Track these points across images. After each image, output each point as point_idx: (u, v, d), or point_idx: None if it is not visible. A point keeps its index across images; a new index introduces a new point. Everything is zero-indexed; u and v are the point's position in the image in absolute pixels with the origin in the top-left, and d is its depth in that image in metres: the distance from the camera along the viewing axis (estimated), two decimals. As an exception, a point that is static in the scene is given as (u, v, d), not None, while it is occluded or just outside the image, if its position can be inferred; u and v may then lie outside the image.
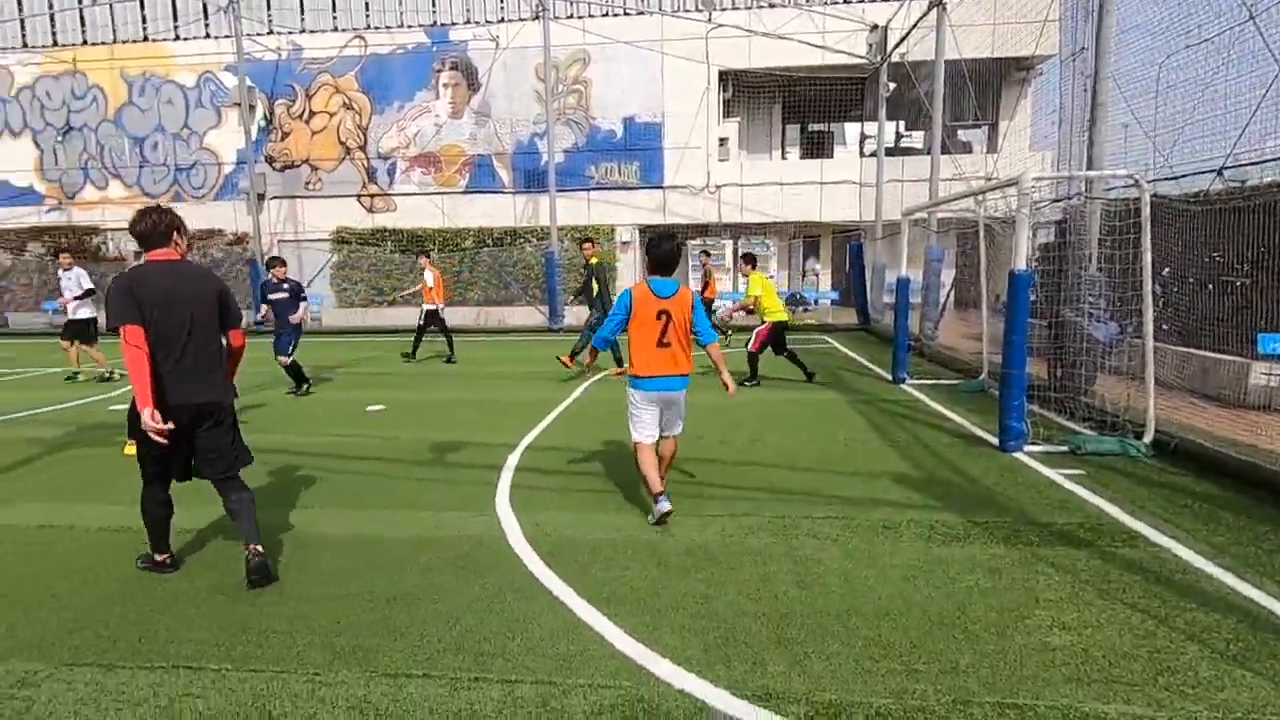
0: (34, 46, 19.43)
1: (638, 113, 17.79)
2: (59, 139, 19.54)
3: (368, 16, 18.56)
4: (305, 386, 8.59)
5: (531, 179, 18.19)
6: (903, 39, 13.59)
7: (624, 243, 18.09)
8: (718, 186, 17.91)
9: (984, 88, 16.70)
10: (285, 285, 8.46)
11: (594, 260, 9.55)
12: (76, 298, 9.48)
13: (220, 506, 3.55)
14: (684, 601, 3.13)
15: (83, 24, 19.36)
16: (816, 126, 21.04)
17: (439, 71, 18.22)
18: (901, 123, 20.80)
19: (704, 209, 17.91)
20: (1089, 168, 6.22)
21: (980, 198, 7.86)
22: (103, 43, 19.18)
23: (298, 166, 18.91)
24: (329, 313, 18.43)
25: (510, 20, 17.97)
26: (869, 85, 17.98)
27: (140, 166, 19.39)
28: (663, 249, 4.08)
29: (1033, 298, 5.69)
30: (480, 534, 3.97)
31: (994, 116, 18.21)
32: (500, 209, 18.49)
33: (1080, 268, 6.20)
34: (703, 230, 18.25)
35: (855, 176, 17.78)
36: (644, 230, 18.62)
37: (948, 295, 12.94)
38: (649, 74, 17.59)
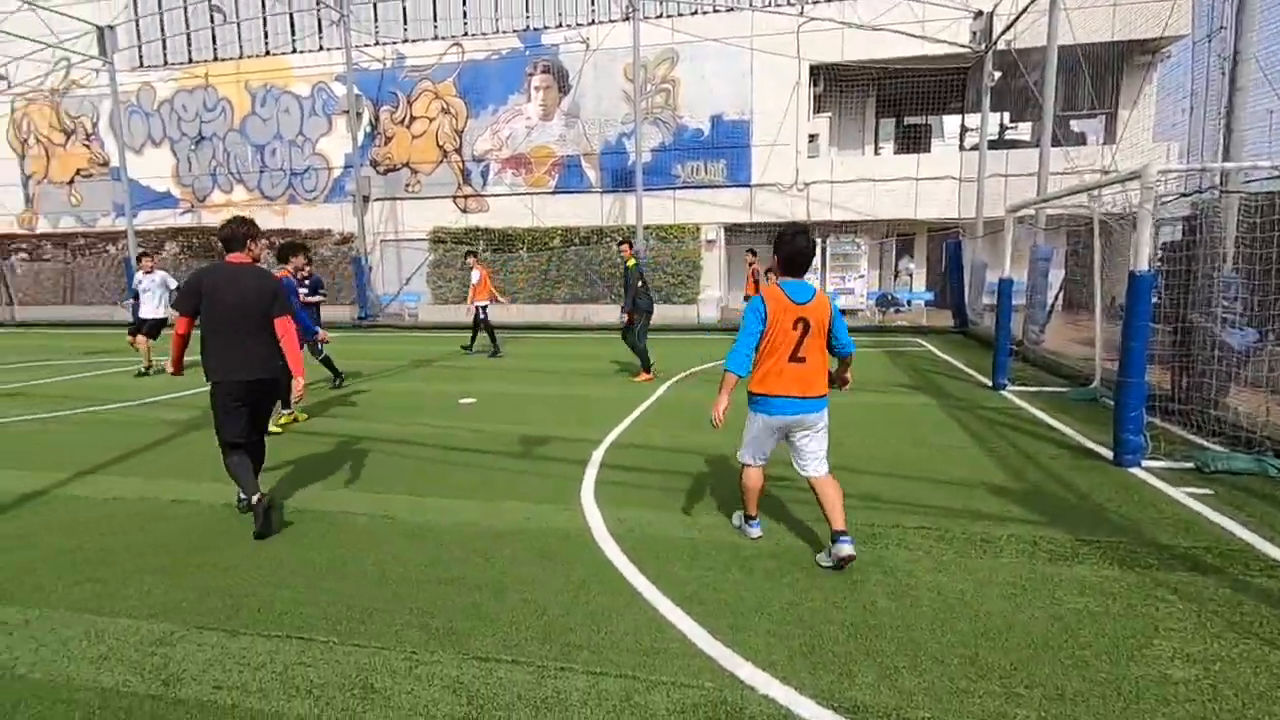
0: (173, 64, 21.35)
1: (725, 110, 17.65)
2: (192, 148, 21.41)
3: (465, 24, 19.29)
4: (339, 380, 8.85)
5: (618, 179, 18.39)
6: (1010, 24, 12.84)
7: (709, 241, 17.99)
8: (806, 184, 17.52)
9: (1102, 74, 15.54)
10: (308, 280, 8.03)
11: (630, 263, 9.17)
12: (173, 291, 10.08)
13: (347, 490, 3.78)
14: (768, 606, 3.09)
15: (214, 42, 21.12)
16: (913, 120, 20.20)
17: (531, 75, 18.72)
18: (1006, 114, 19.66)
19: (791, 207, 17.57)
20: (1226, 158, 5.67)
21: (1096, 193, 7.33)
22: (231, 58, 20.84)
23: (399, 169, 19.91)
24: (425, 309, 19.31)
25: (600, 22, 18.22)
26: (972, 75, 17.11)
27: (260, 171, 20.96)
28: (796, 244, 3.40)
29: (1154, 300, 5.25)
30: (566, 527, 4.06)
31: (1112, 105, 16.91)
32: (587, 208, 18.81)
33: (1213, 268, 5.67)
34: (790, 228, 17.93)
35: (954, 172, 16.95)
36: (729, 229, 18.46)
37: (1055, 297, 12.14)
38: (737, 71, 17.42)
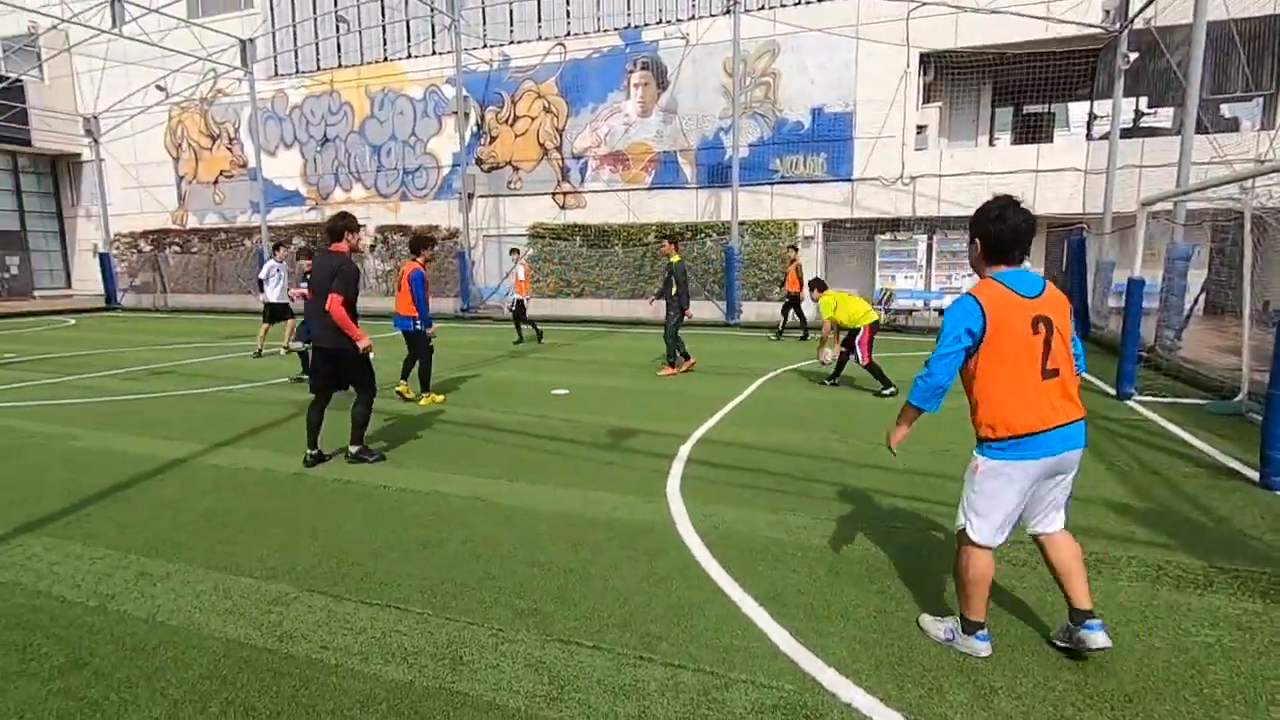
0: (303, 72, 23.08)
1: (827, 102, 17.13)
2: (318, 149, 23.08)
3: (568, 24, 19.71)
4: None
5: (714, 174, 18.25)
6: (1150, 1, 11.71)
7: (807, 237, 17.55)
8: (912, 178, 16.72)
9: (1260, 51, 13.90)
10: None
11: (674, 259, 9.42)
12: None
13: (445, 472, 3.98)
14: (855, 612, 2.99)
15: (339, 50, 22.64)
16: (1033, 108, 18.83)
17: (630, 72, 18.88)
18: (1143, 99, 17.98)
19: (896, 202, 16.83)
20: None
21: (1249, 184, 6.57)
22: (353, 65, 22.29)
23: (502, 168, 20.64)
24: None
25: (700, 17, 18.13)
26: (1103, 57, 15.75)
27: (376, 170, 22.31)
28: (1010, 220, 2.57)
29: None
30: (651, 519, 4.09)
31: (1272, 86, 15.10)
32: (683, 204, 18.79)
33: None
34: (893, 225, 17.15)
35: (1079, 163, 15.67)
36: (828, 225, 17.93)
37: (1195, 300, 11.00)
38: (841, 62, 16.85)
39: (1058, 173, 15.77)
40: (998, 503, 2.54)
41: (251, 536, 3.87)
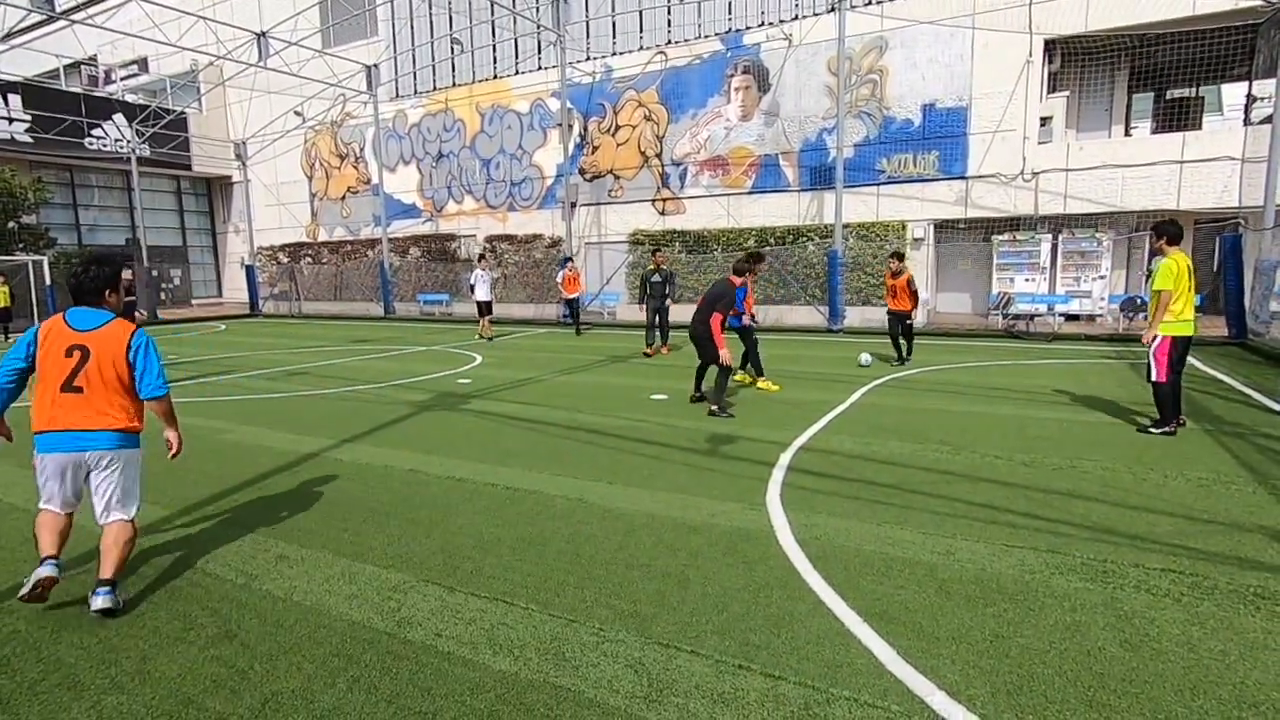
0: (420, 93, 24.59)
1: (939, 98, 16.32)
2: (433, 164, 24.50)
3: (669, 32, 19.89)
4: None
5: (817, 176, 17.82)
6: (1324, -34, 10.36)
7: (916, 239, 16.77)
8: (1034, 173, 15.61)
9: None
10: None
11: (664, 267, 12.33)
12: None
13: (547, 473, 4.12)
14: (968, 635, 2.83)
15: (453, 70, 23.96)
16: (1178, 93, 17.13)
17: (731, 76, 18.79)
18: (1314, 77, 15.90)
19: (1015, 200, 15.77)
20: None
21: None
22: (465, 84, 23.52)
23: (603, 176, 21.08)
24: (622, 308, 20.26)
25: (804, 16, 17.78)
26: (1264, 33, 14.11)
27: (486, 183, 23.39)
28: None
29: None
30: (750, 527, 4.04)
31: None
32: (784, 207, 18.46)
33: None
34: (1012, 224, 16.07)
35: (1235, 151, 14.08)
36: (939, 226, 17.06)
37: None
38: (954, 54, 16.02)
39: (1208, 163, 14.25)
40: None
41: (372, 527, 4.16)
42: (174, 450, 3.47)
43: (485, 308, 15.78)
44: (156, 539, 4.04)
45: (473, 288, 15.89)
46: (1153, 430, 6.02)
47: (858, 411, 7.20)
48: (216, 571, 3.57)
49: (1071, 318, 15.26)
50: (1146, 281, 16.33)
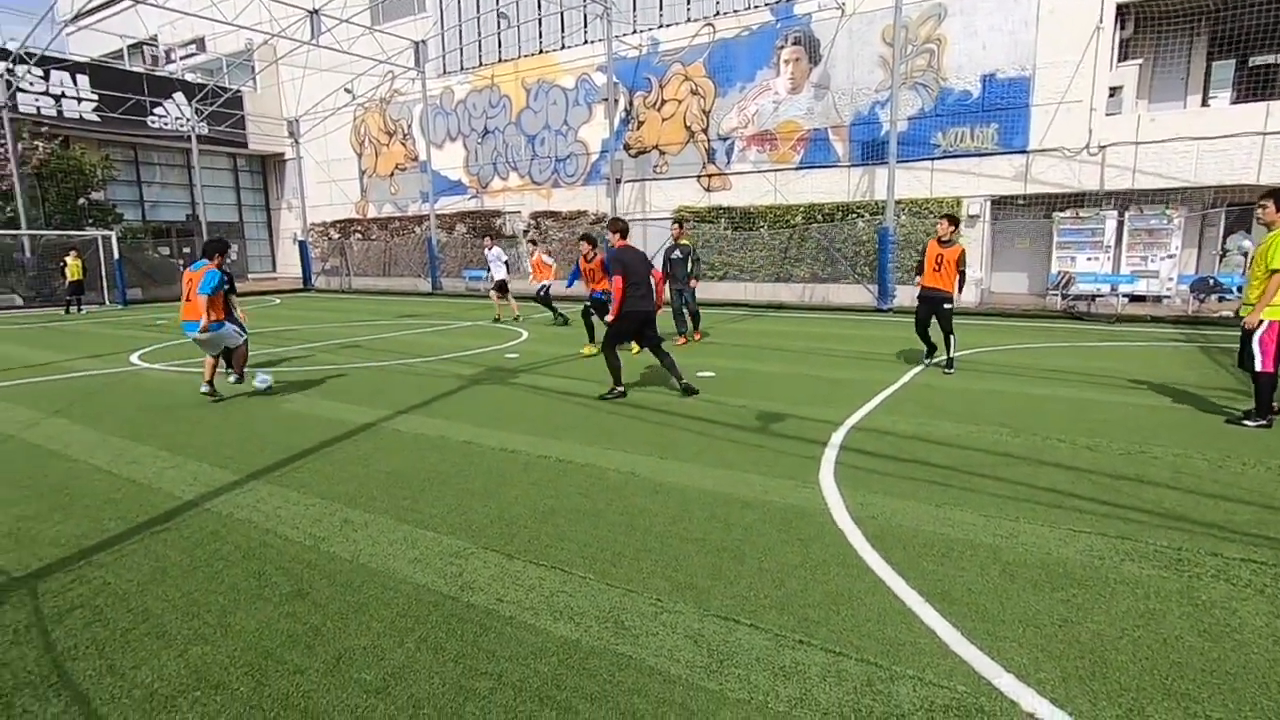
0: (467, 69, 24.67)
1: (1000, 67, 15.63)
2: (479, 141, 24.63)
3: (717, 3, 19.46)
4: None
5: (869, 151, 17.33)
6: None
7: (972, 215, 16.21)
8: (1100, 146, 14.88)
9: None
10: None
11: (684, 242, 10.60)
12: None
13: (598, 447, 4.15)
14: (1036, 619, 2.76)
15: (499, 46, 23.95)
16: (1262, 60, 16.02)
17: (780, 48, 18.33)
18: None
19: (1079, 174, 15.08)
20: None
21: None
22: (511, 59, 23.49)
23: (648, 152, 20.90)
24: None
25: (858, -16, 17.17)
26: (1363, -7, 13.09)
27: (531, 159, 23.44)
28: None
29: None
30: (803, 505, 4.01)
31: None
32: (833, 183, 18.04)
33: None
34: (1076, 200, 15.38)
35: (1324, 121, 13.16)
36: (996, 202, 16.45)
37: None
38: (1018, 20, 15.29)
39: (1294, 134, 13.37)
40: None
41: (431, 495, 4.27)
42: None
43: (502, 287, 14.42)
44: (229, 500, 4.22)
45: (488, 268, 14.61)
46: (1247, 423, 5.51)
47: (910, 391, 7.05)
48: (286, 534, 3.72)
49: (1136, 299, 14.59)
50: (1220, 260, 15.53)
